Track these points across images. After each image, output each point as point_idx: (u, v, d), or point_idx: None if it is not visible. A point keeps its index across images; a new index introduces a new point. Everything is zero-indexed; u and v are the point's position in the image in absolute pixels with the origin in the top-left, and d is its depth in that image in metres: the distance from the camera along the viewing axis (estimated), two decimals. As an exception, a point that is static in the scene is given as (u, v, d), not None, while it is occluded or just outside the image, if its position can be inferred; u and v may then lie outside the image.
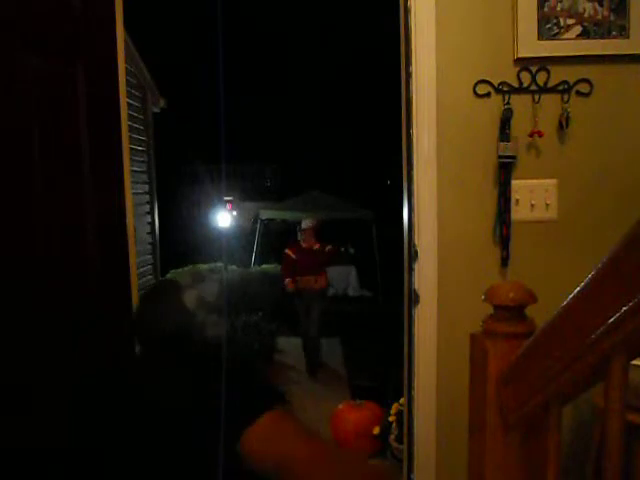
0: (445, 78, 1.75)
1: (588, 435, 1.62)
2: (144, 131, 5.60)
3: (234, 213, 9.35)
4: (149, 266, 5.63)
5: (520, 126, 1.75)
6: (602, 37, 1.71)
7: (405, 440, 1.98)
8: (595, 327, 0.60)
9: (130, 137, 2.10)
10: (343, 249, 9.04)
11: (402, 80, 1.84)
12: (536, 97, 1.75)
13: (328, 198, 9.22)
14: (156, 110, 6.08)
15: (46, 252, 1.46)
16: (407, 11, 1.75)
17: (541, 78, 1.74)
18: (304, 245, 5.35)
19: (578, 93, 1.75)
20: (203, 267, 7.86)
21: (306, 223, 5.49)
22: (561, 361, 0.68)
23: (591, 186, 1.78)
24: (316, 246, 5.33)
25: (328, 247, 5.43)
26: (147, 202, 5.58)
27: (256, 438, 1.01)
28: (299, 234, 5.53)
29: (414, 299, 1.82)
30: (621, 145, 1.77)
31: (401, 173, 1.89)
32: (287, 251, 5.40)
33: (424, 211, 1.78)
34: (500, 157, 1.75)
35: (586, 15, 1.71)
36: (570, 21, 1.71)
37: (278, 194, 10.97)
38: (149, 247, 5.66)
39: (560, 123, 1.74)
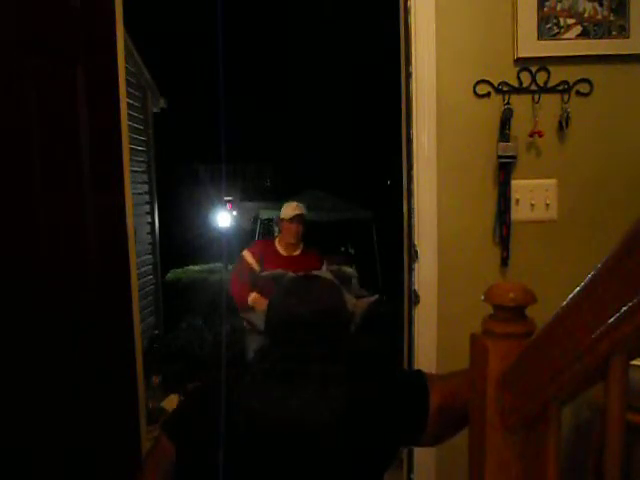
0: (445, 78, 1.75)
1: (588, 435, 1.62)
2: (144, 131, 5.60)
3: (234, 213, 9.35)
4: (149, 266, 5.63)
5: (520, 126, 1.75)
6: (602, 37, 1.71)
7: (405, 440, 1.98)
8: (595, 327, 0.60)
9: (130, 137, 2.09)
10: (343, 249, 9.04)
11: (402, 80, 1.84)
12: (536, 97, 1.75)
13: (328, 198, 9.22)
14: (156, 110, 6.08)
15: (46, 252, 1.46)
16: (407, 11, 1.75)
17: (541, 78, 1.75)
18: (281, 250, 3.36)
19: (578, 93, 1.75)
20: (195, 268, 7.87)
21: (288, 211, 3.41)
22: (561, 361, 0.68)
23: (591, 186, 1.78)
24: (298, 252, 3.37)
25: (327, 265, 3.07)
26: (147, 202, 5.58)
27: (437, 419, 1.11)
28: (276, 227, 3.51)
29: (414, 299, 1.82)
30: (621, 145, 1.77)
31: (401, 173, 1.89)
32: (245, 253, 3.33)
33: (424, 211, 1.78)
34: (500, 157, 1.75)
35: (586, 15, 1.71)
36: (570, 21, 1.71)
37: (278, 194, 10.97)
38: (149, 247, 5.67)
39: (560, 123, 1.74)
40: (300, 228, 3.37)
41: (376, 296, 1.31)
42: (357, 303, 1.26)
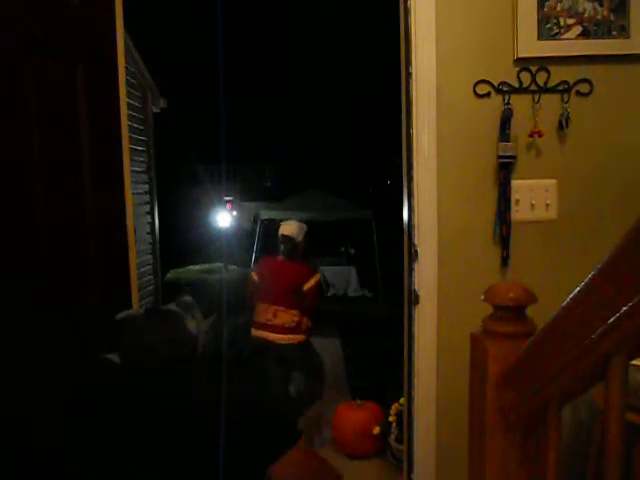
0: (445, 78, 1.75)
1: (588, 435, 1.62)
2: (144, 131, 5.59)
3: (234, 213, 9.36)
4: (149, 266, 5.62)
5: (520, 126, 1.75)
6: (602, 37, 1.71)
7: (405, 440, 1.98)
8: (595, 327, 0.60)
9: (130, 137, 2.10)
10: (343, 249, 9.05)
11: (402, 80, 1.84)
12: (536, 97, 1.75)
13: (328, 198, 9.23)
14: (156, 110, 6.07)
15: (46, 252, 1.46)
16: (407, 11, 1.75)
17: (541, 78, 1.74)
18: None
19: (578, 93, 1.75)
20: (195, 268, 7.90)
21: (299, 228, 3.56)
22: (561, 361, 0.68)
23: (591, 186, 1.78)
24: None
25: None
26: (147, 202, 5.57)
27: (282, 472, 1.27)
28: (282, 244, 3.53)
29: (414, 299, 1.82)
30: (621, 145, 1.77)
31: (401, 173, 1.89)
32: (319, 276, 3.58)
33: (424, 211, 1.78)
34: (500, 157, 1.75)
35: (586, 15, 1.71)
36: (570, 21, 1.71)
37: (278, 194, 10.97)
38: (149, 247, 5.65)
39: (560, 123, 1.74)
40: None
41: (214, 315, 1.50)
42: (200, 326, 1.41)
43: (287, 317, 3.22)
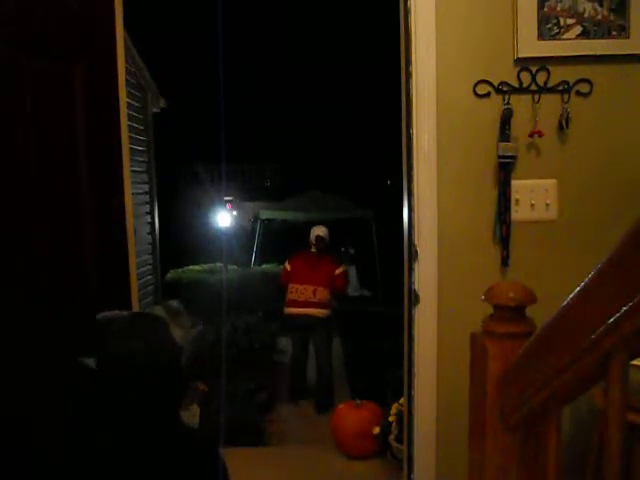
0: (445, 78, 1.75)
1: (588, 436, 1.62)
2: (144, 131, 5.59)
3: (234, 213, 9.35)
4: (149, 266, 5.62)
5: (520, 126, 1.75)
6: (602, 37, 1.71)
7: (405, 440, 1.98)
8: (595, 327, 0.60)
9: (130, 137, 2.10)
10: (343, 249, 9.05)
11: (402, 80, 1.84)
12: (536, 97, 1.75)
13: (328, 198, 9.23)
14: (156, 110, 6.08)
15: (45, 253, 1.46)
16: (407, 11, 1.75)
17: (541, 78, 1.75)
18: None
19: (578, 93, 1.75)
20: (196, 268, 7.89)
21: (327, 231, 4.71)
22: (561, 361, 0.68)
23: (591, 186, 1.78)
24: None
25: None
26: (147, 202, 5.58)
27: None
28: (317, 243, 4.63)
29: (414, 299, 1.82)
30: (621, 145, 1.77)
31: (401, 173, 1.89)
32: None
33: (424, 211, 1.78)
34: (500, 157, 1.75)
35: (586, 15, 1.71)
36: (570, 21, 1.71)
37: (278, 194, 10.97)
38: (149, 247, 5.66)
39: (560, 123, 1.74)
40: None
41: (201, 326, 1.40)
42: (187, 335, 1.32)
43: (324, 295, 4.32)
